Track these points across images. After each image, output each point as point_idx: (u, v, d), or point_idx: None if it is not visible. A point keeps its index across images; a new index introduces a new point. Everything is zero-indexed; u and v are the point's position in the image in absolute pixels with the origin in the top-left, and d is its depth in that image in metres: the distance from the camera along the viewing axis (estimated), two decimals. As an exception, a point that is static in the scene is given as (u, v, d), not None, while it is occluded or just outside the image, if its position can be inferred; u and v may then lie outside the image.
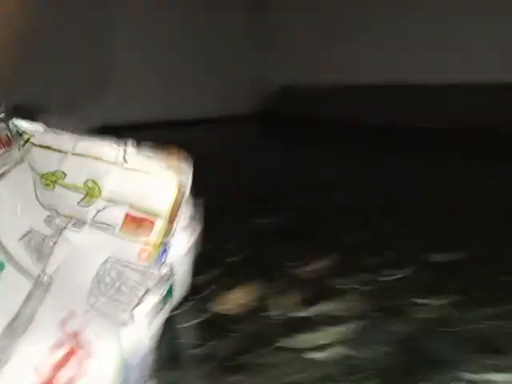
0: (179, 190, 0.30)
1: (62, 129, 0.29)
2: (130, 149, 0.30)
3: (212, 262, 0.41)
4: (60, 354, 0.20)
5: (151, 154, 0.30)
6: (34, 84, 0.91)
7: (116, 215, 0.29)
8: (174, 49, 1.29)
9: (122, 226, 0.29)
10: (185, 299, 0.33)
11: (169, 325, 0.30)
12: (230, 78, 1.35)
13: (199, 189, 0.31)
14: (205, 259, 0.34)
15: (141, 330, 0.26)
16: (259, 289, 0.38)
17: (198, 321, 0.33)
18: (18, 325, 0.19)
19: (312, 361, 0.28)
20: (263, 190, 0.70)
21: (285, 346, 0.29)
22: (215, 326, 0.33)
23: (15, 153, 0.25)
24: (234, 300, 0.36)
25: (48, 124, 0.30)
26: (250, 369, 0.27)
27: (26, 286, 0.21)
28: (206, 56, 1.34)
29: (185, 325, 0.33)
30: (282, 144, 1.13)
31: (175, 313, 0.32)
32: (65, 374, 0.19)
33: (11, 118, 0.28)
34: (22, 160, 0.26)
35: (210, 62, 1.33)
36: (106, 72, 1.09)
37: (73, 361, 0.20)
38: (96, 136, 0.30)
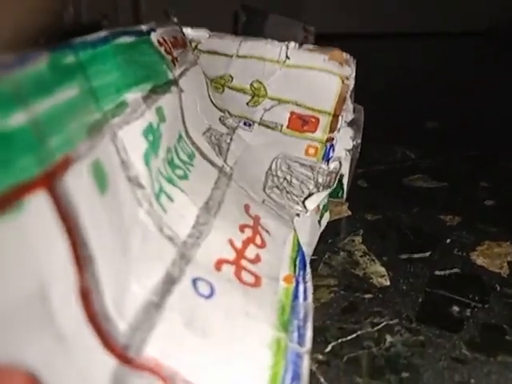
0: (343, 82, 0.29)
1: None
2: (292, 45, 0.30)
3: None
4: (247, 232, 0.22)
5: (313, 48, 0.30)
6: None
7: (282, 114, 0.30)
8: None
9: (289, 123, 0.30)
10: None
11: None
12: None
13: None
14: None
15: (312, 221, 0.27)
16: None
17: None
18: (212, 205, 0.21)
19: None
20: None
21: None
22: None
23: (190, 54, 0.27)
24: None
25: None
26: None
27: (213, 173, 0.23)
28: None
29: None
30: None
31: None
32: (252, 250, 0.21)
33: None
34: (195, 62, 0.27)
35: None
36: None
37: (258, 239, 0.22)
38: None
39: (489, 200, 0.35)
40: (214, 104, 0.29)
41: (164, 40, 0.22)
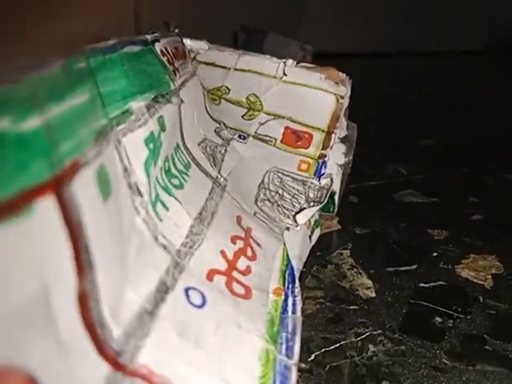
0: (338, 101, 0.30)
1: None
2: (290, 62, 0.30)
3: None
4: (239, 244, 0.22)
5: (310, 66, 0.30)
6: (261, 8, 0.91)
7: (276, 128, 0.30)
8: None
9: (283, 138, 0.30)
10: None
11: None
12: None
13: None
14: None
15: (303, 236, 0.28)
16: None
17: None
18: (206, 215, 0.21)
19: None
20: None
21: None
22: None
23: (190, 65, 0.27)
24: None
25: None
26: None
27: (207, 184, 0.23)
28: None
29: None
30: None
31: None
32: (243, 261, 0.21)
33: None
34: (194, 73, 0.28)
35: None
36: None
37: (249, 251, 0.22)
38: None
39: (477, 215, 0.35)
40: (210, 115, 0.29)
41: (166, 50, 0.22)
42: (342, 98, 0.29)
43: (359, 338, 0.22)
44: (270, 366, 0.16)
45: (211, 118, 0.29)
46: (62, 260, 0.11)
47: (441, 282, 0.27)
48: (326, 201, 0.28)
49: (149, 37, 0.21)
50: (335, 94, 0.29)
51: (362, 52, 1.11)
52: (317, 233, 0.29)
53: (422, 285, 0.27)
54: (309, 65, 0.30)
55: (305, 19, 1.03)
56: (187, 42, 0.31)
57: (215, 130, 0.29)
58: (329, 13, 1.06)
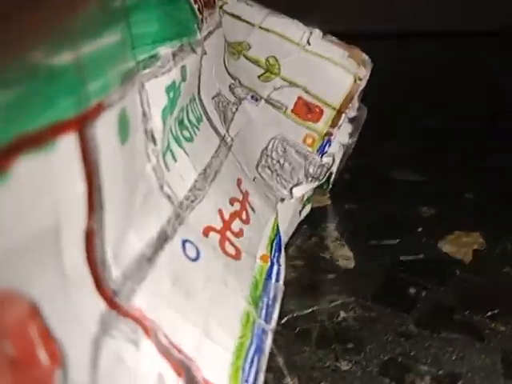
0: (355, 82, 0.29)
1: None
2: (316, 32, 0.30)
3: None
4: (236, 206, 0.22)
5: (336, 42, 0.30)
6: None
7: (289, 96, 0.30)
8: None
9: (294, 107, 0.30)
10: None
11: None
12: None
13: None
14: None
15: (294, 210, 0.28)
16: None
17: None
18: (210, 172, 0.21)
19: None
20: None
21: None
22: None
23: (217, 15, 0.26)
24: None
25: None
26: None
27: (215, 141, 0.23)
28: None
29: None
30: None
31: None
32: (237, 223, 0.22)
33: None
34: (220, 24, 0.27)
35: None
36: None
37: (244, 215, 0.23)
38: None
39: (469, 194, 0.35)
40: (227, 70, 0.29)
41: (198, -2, 0.22)
42: (360, 79, 0.29)
43: (332, 305, 0.23)
44: (249, 328, 0.17)
45: (228, 72, 0.29)
46: (75, 196, 0.11)
47: (421, 256, 0.27)
48: (324, 179, 0.29)
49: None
50: (354, 75, 0.29)
51: (377, 31, 1.08)
52: (307, 209, 0.30)
53: (402, 258, 0.27)
54: (335, 39, 0.30)
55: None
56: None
57: (230, 86, 0.28)
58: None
